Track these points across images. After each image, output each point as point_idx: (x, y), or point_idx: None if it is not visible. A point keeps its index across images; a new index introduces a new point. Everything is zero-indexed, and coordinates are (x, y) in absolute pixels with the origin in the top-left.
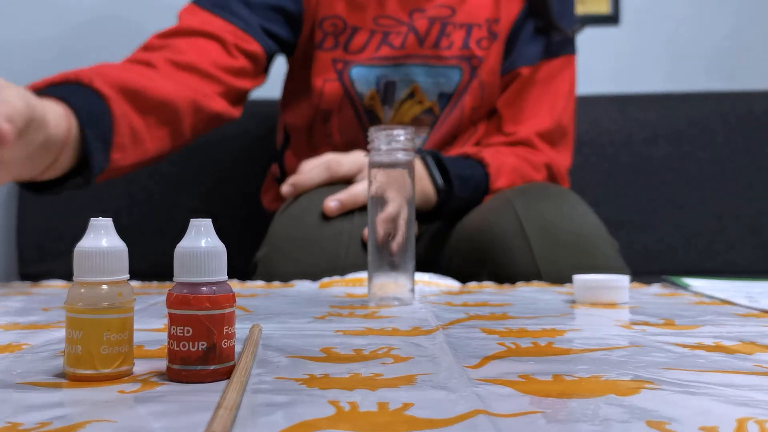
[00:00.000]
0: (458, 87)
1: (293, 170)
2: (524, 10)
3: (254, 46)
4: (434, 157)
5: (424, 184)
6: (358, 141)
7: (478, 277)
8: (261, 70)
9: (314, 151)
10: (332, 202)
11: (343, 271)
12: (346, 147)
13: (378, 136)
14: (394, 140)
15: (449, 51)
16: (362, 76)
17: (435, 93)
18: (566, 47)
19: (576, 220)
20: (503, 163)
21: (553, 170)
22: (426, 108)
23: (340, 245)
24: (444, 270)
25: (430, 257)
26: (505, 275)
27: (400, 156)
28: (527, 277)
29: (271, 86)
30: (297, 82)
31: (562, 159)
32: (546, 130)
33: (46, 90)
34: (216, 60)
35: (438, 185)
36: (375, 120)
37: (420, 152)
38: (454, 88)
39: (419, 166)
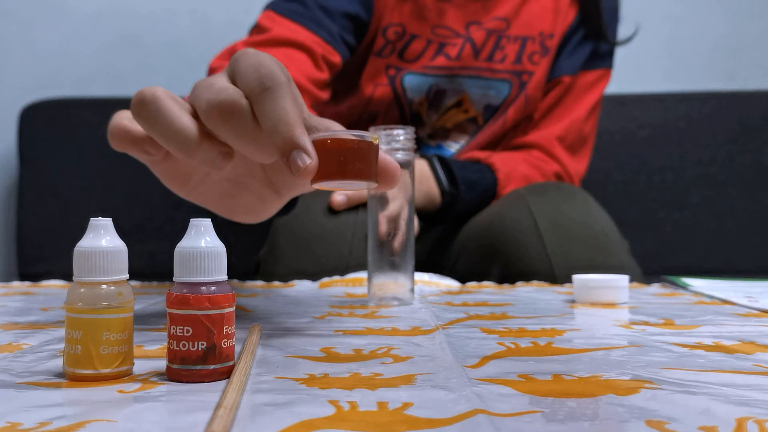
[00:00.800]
0: (506, 100)
1: None
2: (577, 18)
3: (336, 58)
4: (441, 160)
5: (429, 184)
6: None
7: (487, 275)
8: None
9: None
10: (339, 196)
11: (347, 269)
12: None
13: (377, 136)
14: (394, 140)
15: (502, 65)
16: (415, 84)
17: (482, 104)
18: (606, 60)
19: (589, 218)
20: (513, 170)
21: (563, 180)
22: (470, 117)
23: (343, 242)
24: (449, 271)
25: (434, 258)
26: (516, 270)
27: (400, 156)
28: (539, 273)
29: None
30: (342, 84)
31: (579, 166)
32: (567, 136)
33: None
34: (308, 73)
35: (443, 187)
36: (419, 122)
37: (424, 155)
38: (502, 101)
39: (425, 167)
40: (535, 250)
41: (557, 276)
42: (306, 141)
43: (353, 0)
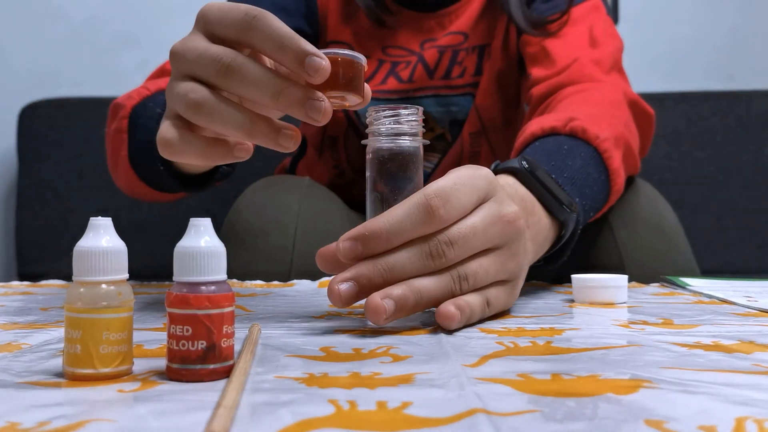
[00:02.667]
0: (469, 113)
1: None
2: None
3: None
4: (529, 167)
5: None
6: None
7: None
8: None
9: (323, 168)
10: (344, 244)
11: (291, 263)
12: (355, 173)
13: (378, 117)
14: (398, 122)
15: (461, 79)
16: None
17: (447, 120)
18: None
19: (658, 212)
20: (606, 125)
21: (639, 105)
22: (437, 134)
23: (287, 236)
24: None
25: None
26: (584, 262)
27: (405, 142)
28: (609, 265)
29: None
30: None
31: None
32: (599, 58)
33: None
34: None
35: (555, 208)
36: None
37: (499, 166)
38: (466, 115)
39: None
40: (605, 241)
41: (627, 268)
42: (314, 48)
43: (295, 16)
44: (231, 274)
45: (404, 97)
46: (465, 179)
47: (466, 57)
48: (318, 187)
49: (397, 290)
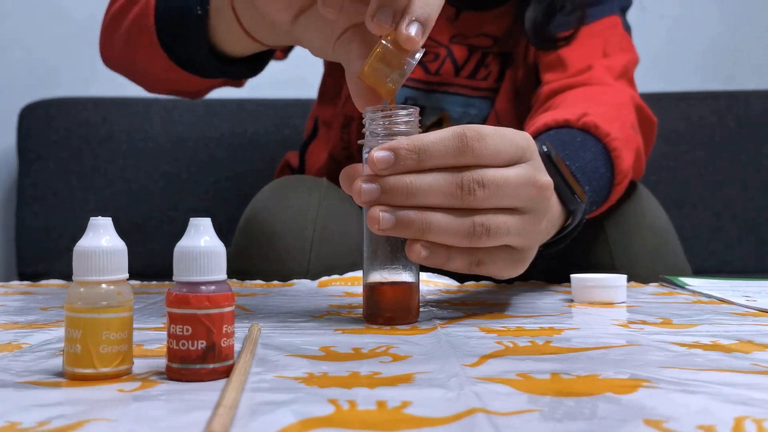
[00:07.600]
0: (487, 118)
1: (314, 164)
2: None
3: None
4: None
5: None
6: None
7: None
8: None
9: (333, 149)
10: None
11: (309, 265)
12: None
13: (374, 117)
14: (395, 122)
15: (485, 82)
16: None
17: (464, 122)
18: (603, 10)
19: (650, 212)
20: (619, 127)
21: (645, 111)
22: None
23: (304, 238)
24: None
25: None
26: (575, 261)
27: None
28: (600, 264)
29: (272, 87)
30: (332, 80)
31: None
32: (610, 65)
33: None
34: None
35: (567, 197)
36: None
37: None
38: (484, 119)
39: None
40: (596, 240)
41: (617, 268)
42: (424, 29)
43: None
44: (247, 274)
45: (429, 90)
46: (505, 131)
47: (492, 61)
48: (335, 188)
49: (404, 210)
